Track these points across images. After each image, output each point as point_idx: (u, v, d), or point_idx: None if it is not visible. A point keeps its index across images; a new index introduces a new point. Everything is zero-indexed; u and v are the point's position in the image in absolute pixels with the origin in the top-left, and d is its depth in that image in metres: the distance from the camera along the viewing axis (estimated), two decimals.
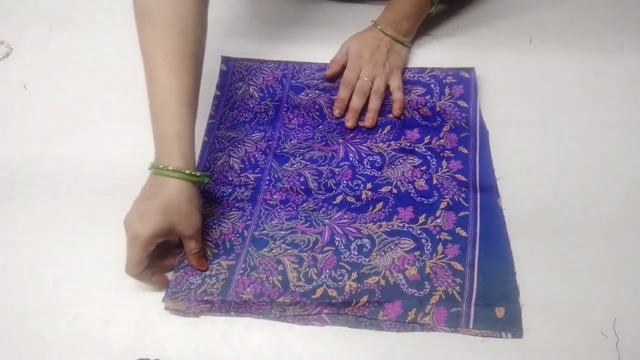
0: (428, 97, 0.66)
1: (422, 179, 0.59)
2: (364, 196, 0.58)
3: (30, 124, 0.67)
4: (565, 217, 0.56)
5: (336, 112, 0.65)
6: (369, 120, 0.64)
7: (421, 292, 0.51)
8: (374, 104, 0.64)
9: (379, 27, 0.68)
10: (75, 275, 0.54)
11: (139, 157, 0.62)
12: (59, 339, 0.50)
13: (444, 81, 0.67)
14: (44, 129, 0.66)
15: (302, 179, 0.60)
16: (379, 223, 0.56)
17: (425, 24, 0.72)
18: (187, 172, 0.51)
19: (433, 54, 0.71)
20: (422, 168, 0.60)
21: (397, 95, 0.65)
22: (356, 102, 0.64)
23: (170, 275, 0.53)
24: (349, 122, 0.64)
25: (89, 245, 0.56)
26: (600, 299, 0.50)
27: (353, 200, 0.58)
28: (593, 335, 0.48)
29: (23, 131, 0.66)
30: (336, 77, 0.68)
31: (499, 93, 0.66)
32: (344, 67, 0.67)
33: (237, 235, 0.56)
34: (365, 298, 0.50)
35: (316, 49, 0.71)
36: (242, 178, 0.60)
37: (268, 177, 0.60)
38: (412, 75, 0.68)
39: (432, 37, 0.73)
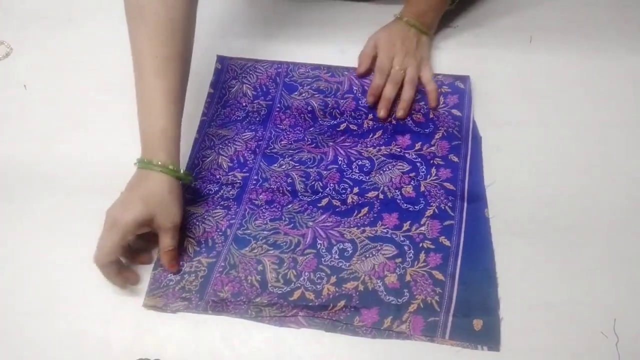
0: (422, 103, 0.66)
1: (409, 186, 0.58)
2: (349, 200, 0.58)
3: (30, 124, 0.67)
4: (565, 217, 0.56)
5: (369, 99, 0.65)
6: (401, 110, 0.64)
7: (399, 300, 0.51)
8: (408, 93, 0.65)
9: (405, 19, 0.67)
10: (75, 276, 0.54)
11: (138, 157, 0.63)
12: (59, 339, 0.50)
13: (440, 90, 0.66)
14: (44, 129, 0.66)
15: (289, 180, 0.60)
16: (362, 228, 0.56)
17: None
18: (171, 167, 0.52)
19: (433, 54, 0.71)
20: (411, 174, 0.59)
21: (430, 86, 0.65)
22: (390, 91, 0.64)
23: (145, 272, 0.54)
24: (382, 112, 0.64)
25: (89, 245, 0.56)
26: (600, 299, 0.50)
27: (339, 203, 0.58)
28: (593, 335, 0.48)
29: (23, 131, 0.66)
30: (369, 73, 0.68)
31: (499, 93, 0.66)
32: (374, 61, 0.67)
33: (220, 233, 0.56)
34: (342, 303, 0.50)
35: (314, 49, 0.71)
36: (230, 177, 0.60)
37: (255, 177, 0.60)
38: None
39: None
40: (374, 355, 0.49)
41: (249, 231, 0.56)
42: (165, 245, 0.52)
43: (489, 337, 0.48)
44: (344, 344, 0.49)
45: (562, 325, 0.49)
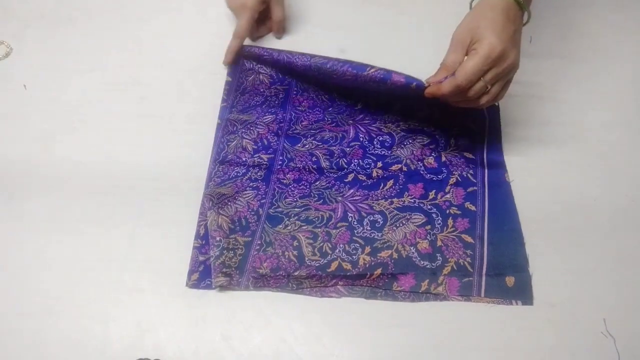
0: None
1: (431, 157, 0.60)
2: (375, 174, 0.59)
3: (30, 124, 0.67)
4: (565, 218, 0.56)
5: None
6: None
7: (433, 264, 0.53)
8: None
9: None
10: (76, 275, 0.54)
11: (138, 157, 0.63)
12: (59, 339, 0.50)
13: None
14: (44, 129, 0.66)
15: (314, 159, 0.61)
16: (390, 199, 0.57)
17: (425, 24, 0.72)
18: None
19: (433, 55, 0.70)
20: (431, 146, 0.61)
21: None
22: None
23: None
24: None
25: (89, 245, 0.56)
26: (601, 298, 0.50)
27: (364, 178, 0.59)
28: (593, 335, 0.48)
29: (23, 131, 0.66)
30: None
31: None
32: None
33: (253, 213, 0.57)
34: (379, 271, 0.52)
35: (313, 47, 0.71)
36: (256, 159, 0.62)
37: (281, 158, 0.62)
38: None
39: (432, 37, 0.73)
40: (375, 355, 0.49)
41: (280, 209, 0.57)
42: (278, 16, 0.70)
43: (522, 293, 0.51)
44: (344, 344, 0.49)
45: (562, 325, 0.49)
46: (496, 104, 0.64)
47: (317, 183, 0.59)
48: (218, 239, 0.54)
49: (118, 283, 0.53)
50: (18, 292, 0.54)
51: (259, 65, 0.70)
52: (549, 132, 0.62)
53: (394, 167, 0.60)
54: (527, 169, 0.59)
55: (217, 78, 0.69)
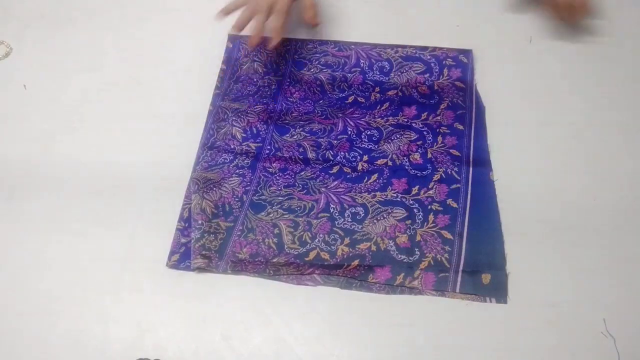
0: (427, 75, 0.68)
1: (417, 153, 0.61)
2: (360, 167, 0.60)
3: (30, 124, 0.67)
4: (565, 217, 0.56)
5: None
6: None
7: (410, 258, 0.53)
8: None
9: None
10: (75, 275, 0.54)
11: (138, 157, 0.63)
12: (59, 339, 0.50)
13: (444, 62, 0.69)
14: (44, 129, 0.66)
15: (301, 150, 0.62)
16: (373, 193, 0.58)
17: (425, 24, 0.72)
18: None
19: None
20: (418, 142, 0.62)
21: None
22: None
23: None
24: None
25: (89, 245, 0.56)
26: (600, 298, 0.50)
27: (349, 170, 0.60)
28: (593, 335, 0.48)
29: (23, 131, 0.66)
30: None
31: (499, 93, 0.66)
32: None
33: (237, 199, 0.58)
34: (356, 262, 0.53)
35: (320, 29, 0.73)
36: (244, 147, 0.62)
37: (268, 147, 0.62)
38: (414, 51, 0.70)
39: (431, 36, 0.73)
40: (374, 354, 0.49)
41: (264, 197, 0.58)
42: (309, 3, 0.66)
43: (497, 290, 0.51)
44: (345, 343, 0.49)
45: (562, 325, 0.49)
46: (482, 104, 0.65)
47: (302, 173, 0.60)
48: (200, 222, 0.55)
49: (118, 283, 0.53)
50: (18, 292, 0.54)
51: (254, 54, 0.71)
52: (549, 132, 0.62)
53: (379, 162, 0.60)
54: (525, 169, 0.59)
55: (218, 78, 0.69)
